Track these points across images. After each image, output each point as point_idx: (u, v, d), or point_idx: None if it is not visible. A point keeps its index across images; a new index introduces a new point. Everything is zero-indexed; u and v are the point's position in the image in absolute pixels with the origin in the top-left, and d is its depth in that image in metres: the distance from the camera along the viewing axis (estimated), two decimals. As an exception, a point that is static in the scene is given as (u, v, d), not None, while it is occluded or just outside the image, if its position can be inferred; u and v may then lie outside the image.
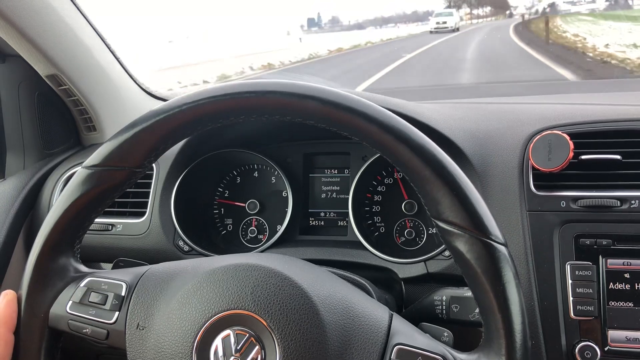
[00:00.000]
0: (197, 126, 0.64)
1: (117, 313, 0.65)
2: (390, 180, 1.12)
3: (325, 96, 0.60)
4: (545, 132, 0.92)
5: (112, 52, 1.27)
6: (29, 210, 1.19)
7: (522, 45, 14.23)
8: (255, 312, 0.60)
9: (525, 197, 0.92)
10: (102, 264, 1.20)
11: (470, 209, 0.58)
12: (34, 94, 1.21)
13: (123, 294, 0.66)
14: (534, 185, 0.92)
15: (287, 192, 1.15)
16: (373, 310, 0.64)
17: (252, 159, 1.19)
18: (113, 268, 0.79)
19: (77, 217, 0.66)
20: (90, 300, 0.66)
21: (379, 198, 1.13)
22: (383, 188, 1.13)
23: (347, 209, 1.10)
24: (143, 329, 0.64)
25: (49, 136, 1.26)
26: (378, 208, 1.13)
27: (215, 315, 0.60)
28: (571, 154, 0.88)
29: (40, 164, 1.25)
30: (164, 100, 1.44)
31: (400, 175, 1.11)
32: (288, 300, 0.60)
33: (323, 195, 1.18)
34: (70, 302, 0.66)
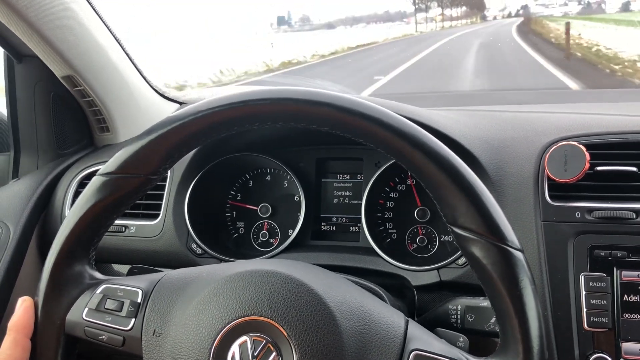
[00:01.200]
0: (212, 133, 0.65)
1: (133, 320, 0.65)
2: (403, 187, 1.13)
3: (340, 103, 0.61)
4: (561, 142, 0.92)
5: (127, 54, 1.28)
6: (43, 210, 1.20)
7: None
8: (272, 319, 0.60)
9: (540, 207, 0.92)
10: (115, 266, 1.20)
11: (486, 214, 0.58)
12: (49, 95, 1.22)
13: (139, 300, 0.66)
14: (549, 195, 0.92)
15: (299, 197, 1.16)
16: (389, 316, 0.64)
17: (265, 163, 1.19)
18: (128, 274, 0.80)
19: (93, 224, 0.66)
20: (106, 307, 0.66)
21: (391, 204, 1.13)
22: (396, 194, 1.13)
23: (359, 214, 1.10)
24: (159, 336, 0.64)
25: (62, 136, 1.27)
26: (390, 214, 1.13)
27: (232, 321, 0.61)
28: (587, 165, 0.88)
29: (54, 164, 1.25)
30: (177, 102, 1.44)
31: (414, 182, 1.12)
32: (304, 307, 0.61)
33: (335, 201, 1.19)
34: (87, 309, 0.66)
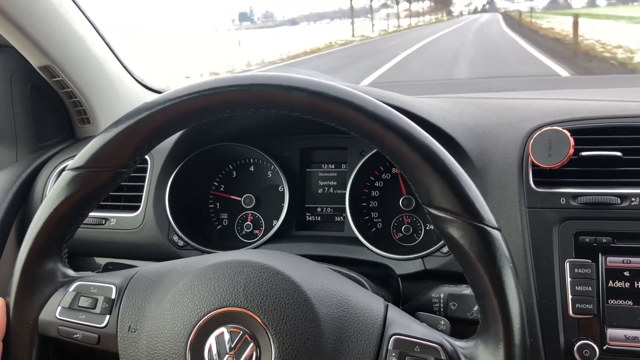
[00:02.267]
0: (181, 123, 0.63)
1: (107, 316, 0.64)
2: (388, 176, 1.11)
3: (311, 87, 0.59)
4: (545, 127, 0.91)
5: (107, 43, 1.25)
6: (22, 203, 1.17)
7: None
8: (248, 309, 0.59)
9: (524, 193, 0.91)
10: (96, 259, 1.18)
11: (462, 194, 0.57)
12: (27, 85, 1.19)
13: (113, 296, 0.65)
14: (534, 181, 0.91)
15: (283, 187, 1.14)
16: (368, 302, 0.63)
17: (248, 153, 1.17)
18: (103, 271, 0.78)
19: (63, 220, 0.65)
20: (79, 304, 0.65)
21: (376, 193, 1.12)
22: (380, 183, 1.12)
23: (343, 204, 1.09)
24: (135, 332, 0.63)
25: (42, 128, 1.25)
26: (375, 204, 1.12)
27: (207, 313, 0.60)
28: (571, 151, 0.87)
29: (33, 157, 1.23)
30: (159, 92, 1.42)
31: (397, 170, 1.10)
32: (281, 295, 0.60)
33: (320, 191, 1.17)
34: (60, 307, 0.65)
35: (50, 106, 1.25)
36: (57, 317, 0.64)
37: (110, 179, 0.64)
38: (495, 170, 0.94)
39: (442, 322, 0.73)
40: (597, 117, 0.93)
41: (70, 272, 0.68)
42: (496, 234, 0.57)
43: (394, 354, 0.59)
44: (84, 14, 1.18)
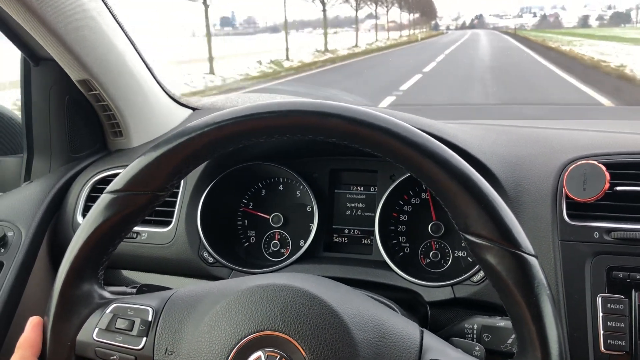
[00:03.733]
0: (219, 148, 0.64)
1: (144, 339, 0.65)
2: (417, 201, 1.12)
3: (348, 114, 0.60)
4: (580, 161, 0.91)
5: (142, 58, 1.28)
6: (54, 213, 1.19)
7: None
8: (286, 333, 0.60)
9: (557, 226, 0.91)
10: (124, 272, 1.19)
11: (499, 220, 0.57)
12: (64, 98, 1.21)
13: (150, 319, 0.66)
14: (567, 214, 0.91)
15: (311, 207, 1.15)
16: (404, 327, 0.64)
17: (278, 172, 1.18)
18: (137, 293, 0.79)
19: (101, 243, 0.66)
20: (116, 326, 0.65)
21: (405, 218, 1.12)
22: (409, 208, 1.12)
23: (371, 227, 1.09)
24: (172, 354, 0.63)
25: (76, 140, 1.27)
26: (403, 228, 1.12)
27: (245, 337, 0.60)
28: (607, 185, 0.87)
29: (67, 168, 1.25)
30: (191, 108, 1.44)
31: (427, 195, 1.10)
32: (318, 320, 0.60)
33: (348, 212, 1.18)
34: (97, 329, 0.65)
35: (85, 119, 1.27)
36: (94, 339, 0.65)
37: (147, 203, 0.65)
38: (529, 201, 0.94)
39: (477, 348, 0.73)
40: (633, 152, 0.93)
41: (107, 294, 0.69)
42: (533, 260, 0.57)
43: None
44: (122, 29, 1.20)
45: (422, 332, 0.64)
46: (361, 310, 0.63)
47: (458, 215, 0.59)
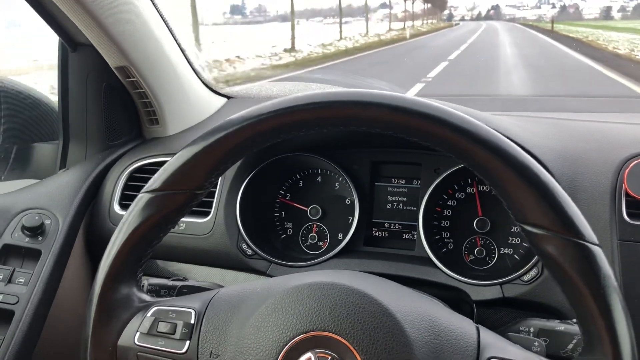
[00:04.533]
0: (257, 143, 0.62)
1: (187, 342, 0.63)
2: (462, 195, 1.08)
3: (392, 102, 0.57)
4: None
5: (180, 46, 1.26)
6: (91, 201, 1.18)
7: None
8: (337, 333, 0.57)
9: (616, 225, 0.87)
10: (158, 262, 1.18)
11: (559, 209, 0.54)
12: (101, 85, 1.20)
13: (192, 321, 0.64)
14: (627, 213, 0.87)
15: (350, 200, 1.12)
16: (459, 324, 0.61)
17: (317, 164, 1.16)
18: (177, 295, 0.77)
19: (139, 245, 0.64)
20: (158, 330, 0.63)
21: (449, 213, 1.08)
22: (454, 202, 1.08)
23: (414, 221, 1.06)
24: (217, 357, 0.61)
25: (112, 127, 1.26)
26: (447, 223, 1.08)
27: (293, 338, 0.58)
28: (672, 183, 0.83)
29: (102, 155, 1.24)
30: (226, 97, 1.42)
31: (477, 190, 1.06)
32: (370, 319, 0.58)
33: (389, 206, 1.14)
34: (138, 333, 0.64)
35: (121, 106, 1.26)
36: (135, 343, 0.63)
37: (186, 201, 0.63)
38: (585, 198, 0.90)
39: (537, 344, 0.70)
40: None
41: (146, 297, 0.67)
42: (598, 251, 0.54)
43: None
44: (161, 16, 1.18)
45: (478, 329, 0.62)
46: (414, 308, 0.61)
47: (515, 205, 0.56)
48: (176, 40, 1.24)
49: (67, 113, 1.24)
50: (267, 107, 0.60)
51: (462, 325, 0.61)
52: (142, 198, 0.63)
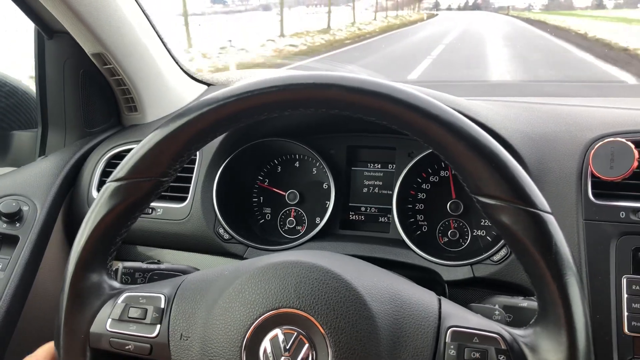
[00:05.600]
0: (220, 128, 0.62)
1: (158, 326, 0.64)
2: (436, 179, 1.09)
3: (347, 83, 0.58)
4: (608, 138, 0.88)
5: (157, 33, 1.26)
6: (69, 188, 1.19)
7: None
8: (301, 309, 0.59)
9: (582, 205, 0.89)
10: (138, 247, 1.19)
11: (512, 179, 0.55)
12: (78, 72, 1.20)
13: (162, 306, 0.65)
14: (592, 193, 0.89)
15: (327, 184, 1.13)
16: (421, 296, 0.63)
17: (294, 149, 1.17)
18: (148, 282, 0.78)
19: (108, 232, 0.64)
20: (129, 315, 0.64)
21: (423, 196, 1.10)
22: (428, 186, 1.10)
23: (389, 205, 1.07)
24: (187, 339, 0.63)
25: (90, 115, 1.26)
26: (421, 206, 1.10)
27: (260, 316, 0.59)
28: (635, 164, 0.85)
29: (81, 143, 1.24)
30: (205, 83, 1.42)
31: (448, 173, 1.08)
32: (333, 294, 0.59)
33: (365, 190, 1.16)
34: (110, 319, 0.64)
35: (100, 93, 1.26)
36: (107, 330, 0.64)
37: (151, 189, 0.63)
38: (553, 179, 0.92)
39: (497, 312, 0.72)
40: None
41: (116, 284, 0.68)
42: (550, 218, 0.55)
43: (452, 347, 0.58)
44: (137, 2, 1.18)
45: (439, 300, 0.63)
46: (376, 282, 0.62)
47: (469, 177, 0.58)
48: (153, 27, 1.24)
49: (45, 101, 1.23)
50: (226, 92, 0.60)
51: (424, 297, 0.63)
52: (108, 187, 0.63)
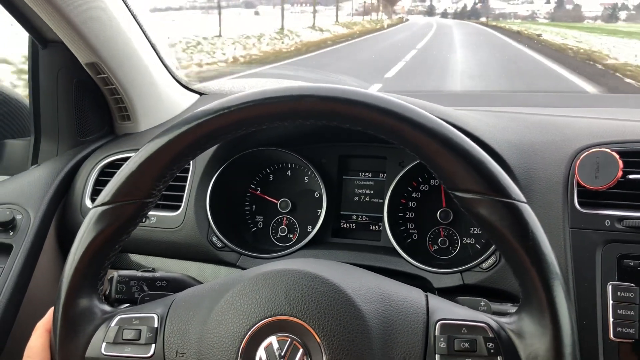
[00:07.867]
0: (201, 146, 0.63)
1: (153, 345, 0.65)
2: (426, 187, 1.11)
3: (320, 93, 0.60)
4: (593, 149, 0.91)
5: (150, 42, 1.27)
6: (62, 197, 1.19)
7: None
8: (293, 315, 0.60)
9: (568, 213, 0.91)
10: (131, 255, 1.19)
11: (486, 173, 0.58)
12: (72, 81, 1.21)
13: (156, 325, 0.65)
14: (578, 202, 0.91)
15: (319, 193, 1.15)
16: (408, 293, 0.65)
17: (287, 158, 1.18)
18: (139, 303, 0.79)
19: (96, 257, 0.65)
20: (124, 338, 0.65)
21: (413, 205, 1.12)
22: (418, 195, 1.12)
23: (380, 213, 1.09)
24: (183, 356, 0.63)
25: (83, 123, 1.26)
26: (412, 215, 1.12)
27: (253, 325, 0.61)
28: (620, 173, 0.87)
29: (74, 151, 1.25)
30: (198, 93, 1.44)
31: (438, 182, 1.10)
32: (323, 298, 0.61)
33: (356, 199, 1.17)
34: (104, 343, 0.65)
35: (93, 102, 1.26)
36: (103, 354, 0.64)
37: (137, 211, 0.64)
38: (540, 188, 0.94)
39: (483, 303, 0.75)
40: None
41: (108, 308, 0.68)
42: (525, 207, 0.58)
43: (442, 339, 0.60)
44: (131, 12, 1.19)
45: (427, 296, 0.65)
46: (363, 283, 0.64)
47: (445, 174, 0.60)
48: (147, 37, 1.25)
49: (39, 110, 1.24)
50: (204, 111, 0.61)
51: (411, 294, 0.65)
52: (93, 213, 0.64)
